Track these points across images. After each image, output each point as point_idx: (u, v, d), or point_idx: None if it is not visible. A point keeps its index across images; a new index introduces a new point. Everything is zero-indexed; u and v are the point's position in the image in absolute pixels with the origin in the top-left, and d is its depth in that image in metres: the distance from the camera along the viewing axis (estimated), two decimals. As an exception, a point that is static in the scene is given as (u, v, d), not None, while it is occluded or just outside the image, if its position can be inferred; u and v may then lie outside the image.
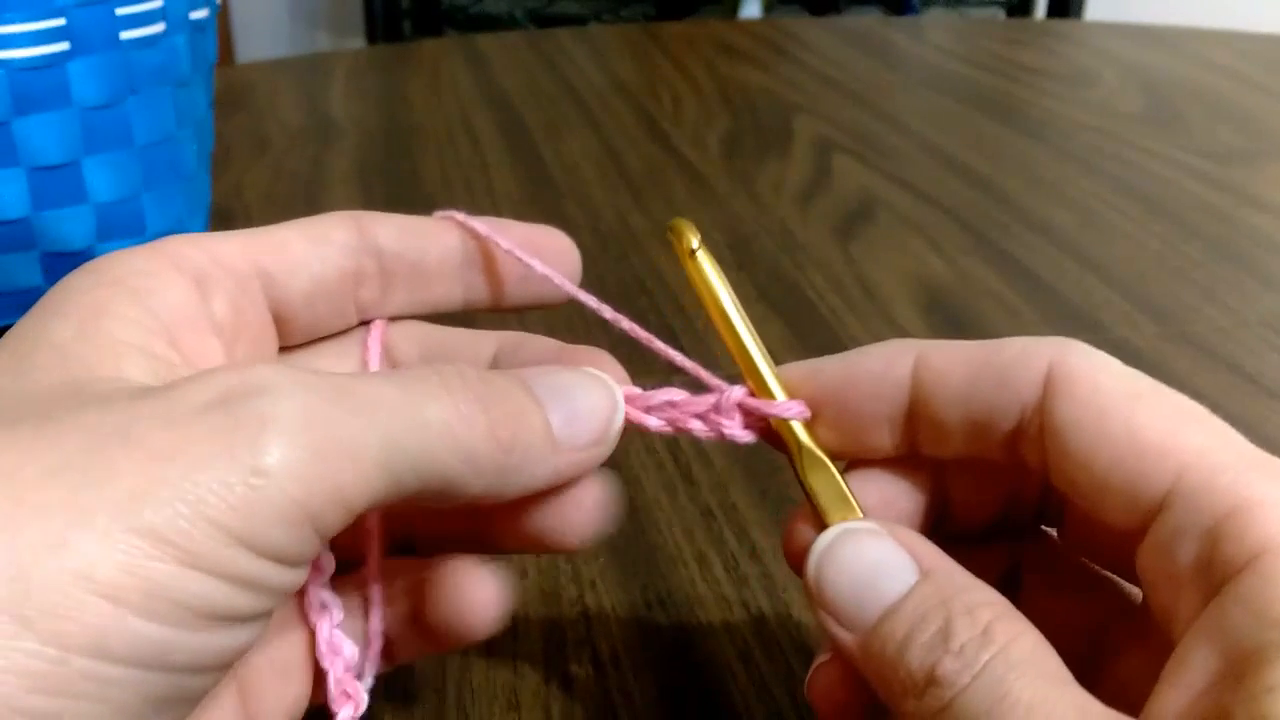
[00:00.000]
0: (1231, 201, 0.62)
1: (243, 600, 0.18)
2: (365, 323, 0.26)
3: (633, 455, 0.39)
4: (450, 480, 0.20)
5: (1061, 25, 1.55)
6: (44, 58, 0.41)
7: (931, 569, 0.21)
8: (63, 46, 0.42)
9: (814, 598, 0.22)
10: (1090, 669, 0.20)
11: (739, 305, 0.25)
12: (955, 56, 0.96)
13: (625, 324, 0.26)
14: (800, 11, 2.27)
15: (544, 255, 0.26)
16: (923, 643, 0.20)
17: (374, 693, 0.29)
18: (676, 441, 0.39)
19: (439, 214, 0.27)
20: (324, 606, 0.24)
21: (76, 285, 0.21)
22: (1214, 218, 0.60)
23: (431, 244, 0.26)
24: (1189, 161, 0.68)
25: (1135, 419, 0.21)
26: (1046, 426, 0.21)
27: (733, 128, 0.75)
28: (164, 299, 0.21)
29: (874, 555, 0.22)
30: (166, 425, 0.17)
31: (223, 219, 0.57)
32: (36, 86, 0.41)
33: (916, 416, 0.23)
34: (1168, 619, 0.20)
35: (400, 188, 0.64)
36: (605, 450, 0.23)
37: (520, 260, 0.26)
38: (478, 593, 0.24)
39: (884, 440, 0.24)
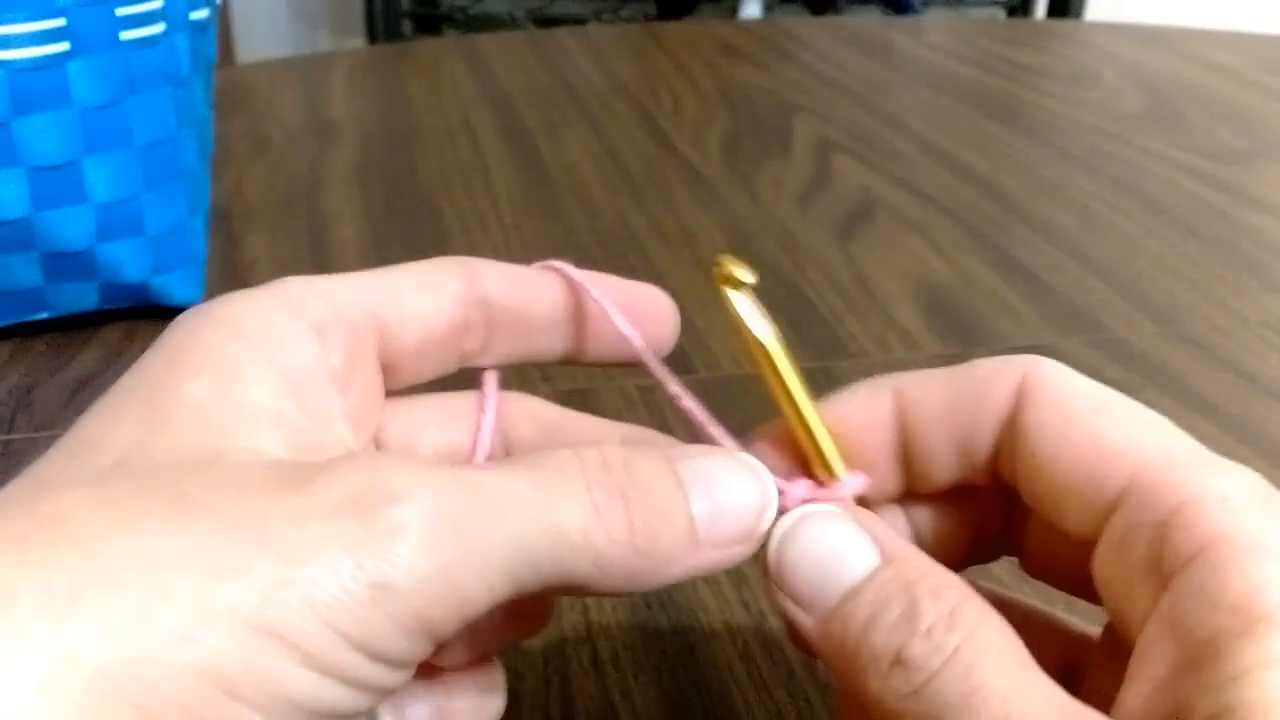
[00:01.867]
0: (1231, 201, 0.62)
1: (353, 700, 0.18)
2: (472, 370, 0.26)
3: (633, 455, 0.38)
4: (576, 582, 0.20)
5: (1061, 25, 1.55)
6: (44, 58, 0.41)
7: (894, 553, 0.21)
8: (63, 46, 0.42)
9: (773, 577, 0.22)
10: (1070, 688, 0.20)
11: (789, 357, 0.23)
12: (955, 56, 0.96)
13: (686, 401, 0.24)
14: (800, 11, 2.27)
15: (641, 314, 0.25)
16: (889, 623, 0.20)
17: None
18: (676, 441, 0.39)
19: (542, 264, 0.26)
20: None
21: (203, 336, 0.21)
22: (1214, 218, 0.60)
23: (536, 295, 0.25)
24: (1189, 161, 0.68)
25: (1098, 423, 0.21)
26: (1016, 435, 0.22)
27: (733, 128, 0.75)
28: (292, 356, 0.21)
29: (835, 538, 0.22)
30: (298, 524, 0.18)
31: (223, 219, 0.57)
32: (36, 86, 0.41)
33: (906, 449, 0.24)
34: (1125, 621, 0.20)
35: (400, 188, 0.64)
36: (749, 549, 0.22)
37: (614, 318, 0.25)
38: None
39: (884, 480, 0.24)
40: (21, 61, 0.41)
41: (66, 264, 0.44)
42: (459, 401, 0.26)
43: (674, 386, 0.24)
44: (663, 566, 0.20)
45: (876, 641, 0.20)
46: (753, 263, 0.23)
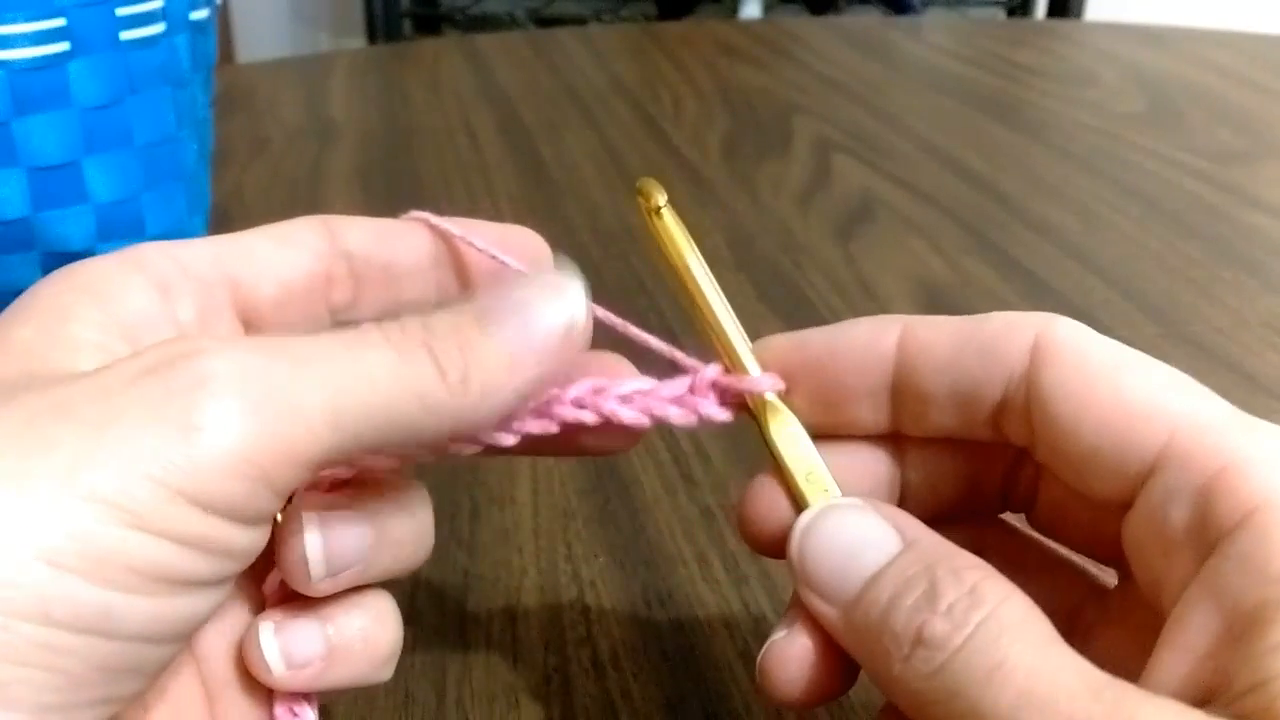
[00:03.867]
0: (1231, 201, 0.62)
1: (195, 562, 0.18)
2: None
3: (633, 455, 0.39)
4: (409, 427, 0.20)
5: (1061, 25, 1.55)
6: (44, 58, 0.41)
7: (915, 538, 0.21)
8: (63, 46, 0.42)
9: (797, 573, 0.22)
10: (1067, 631, 0.20)
11: (709, 272, 0.24)
12: (955, 56, 0.96)
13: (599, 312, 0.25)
14: (800, 11, 2.27)
15: (511, 252, 0.26)
16: (908, 605, 0.20)
17: (374, 692, 0.29)
18: (676, 441, 0.39)
19: (408, 215, 0.27)
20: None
21: (43, 290, 0.22)
22: (1214, 218, 0.60)
23: (401, 246, 0.26)
24: (1189, 161, 0.68)
25: (1123, 383, 0.21)
26: (1033, 394, 0.21)
27: (733, 128, 0.75)
28: (126, 303, 0.22)
29: (857, 528, 0.22)
30: (103, 396, 0.17)
31: (223, 219, 0.57)
32: (36, 86, 0.41)
33: (901, 391, 0.23)
34: (1157, 588, 0.20)
35: (400, 188, 0.64)
36: (573, 353, 0.22)
37: (492, 259, 0.25)
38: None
39: (865, 416, 0.24)
40: (21, 61, 0.41)
41: (66, 264, 0.44)
42: None
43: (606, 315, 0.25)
44: (489, 397, 0.20)
45: (897, 623, 0.20)
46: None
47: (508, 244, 0.26)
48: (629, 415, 0.24)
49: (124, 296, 0.22)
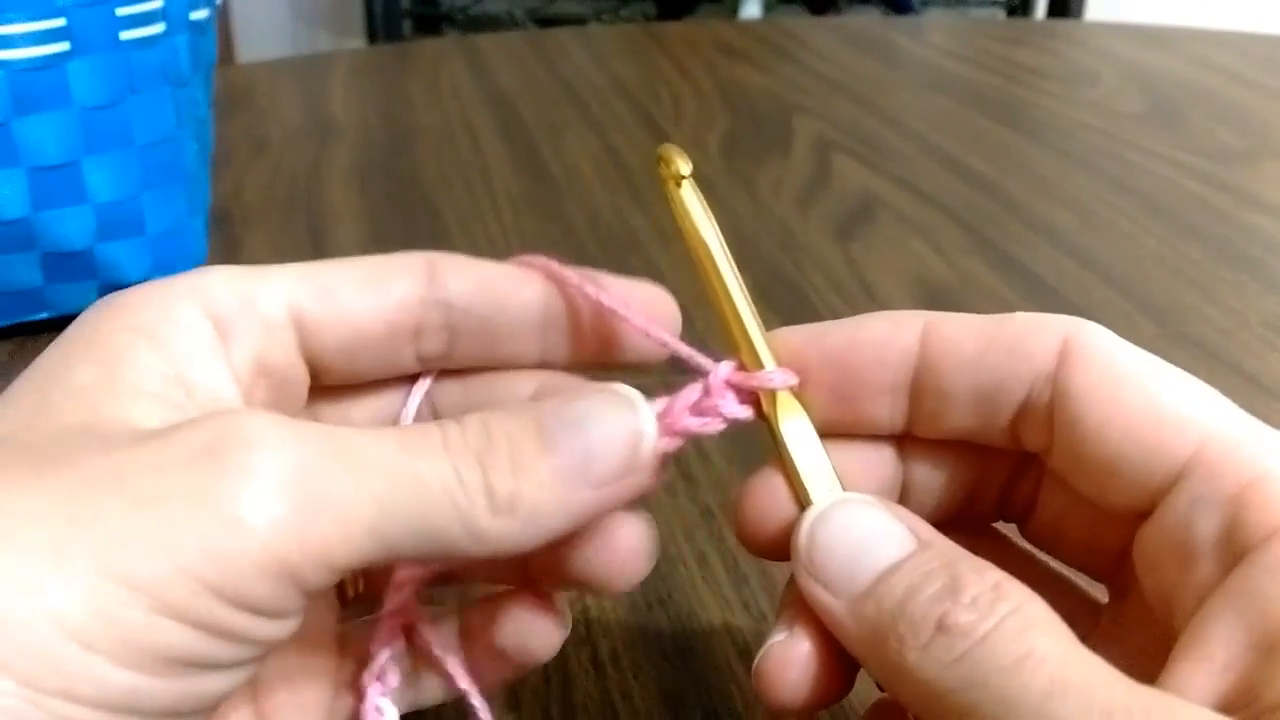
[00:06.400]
0: (1231, 201, 0.62)
1: (220, 650, 0.18)
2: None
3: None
4: (449, 545, 0.19)
5: (1061, 25, 1.55)
6: (44, 58, 0.41)
7: (931, 539, 0.21)
8: (63, 46, 0.42)
9: (803, 564, 0.22)
10: None
11: (728, 252, 0.23)
12: (955, 56, 0.96)
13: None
14: (800, 11, 2.27)
15: (639, 311, 0.24)
16: (928, 596, 0.19)
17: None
18: (676, 441, 0.39)
19: (522, 259, 0.24)
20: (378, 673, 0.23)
21: (101, 327, 0.21)
22: (1214, 218, 0.60)
23: (509, 300, 0.24)
24: (1189, 161, 0.68)
25: (1153, 390, 0.20)
26: (1059, 397, 0.21)
27: (733, 128, 0.75)
28: (182, 345, 0.21)
29: (871, 524, 0.21)
30: (154, 471, 0.17)
31: (223, 219, 0.57)
32: (36, 86, 0.41)
33: (921, 386, 0.23)
34: (1168, 600, 0.20)
35: (400, 188, 0.64)
36: (638, 480, 0.21)
37: (613, 319, 0.23)
38: (541, 622, 0.24)
39: (881, 413, 0.23)
40: (21, 61, 0.41)
41: (66, 264, 0.44)
42: (397, 395, 0.25)
43: (700, 359, 0.23)
44: (535, 521, 0.20)
45: (915, 612, 0.19)
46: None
47: (632, 299, 0.24)
48: (662, 444, 0.22)
49: (180, 339, 0.21)
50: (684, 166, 0.23)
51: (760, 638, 0.31)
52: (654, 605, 0.32)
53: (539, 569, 0.23)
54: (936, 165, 0.68)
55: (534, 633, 0.24)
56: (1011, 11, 2.33)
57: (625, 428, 0.20)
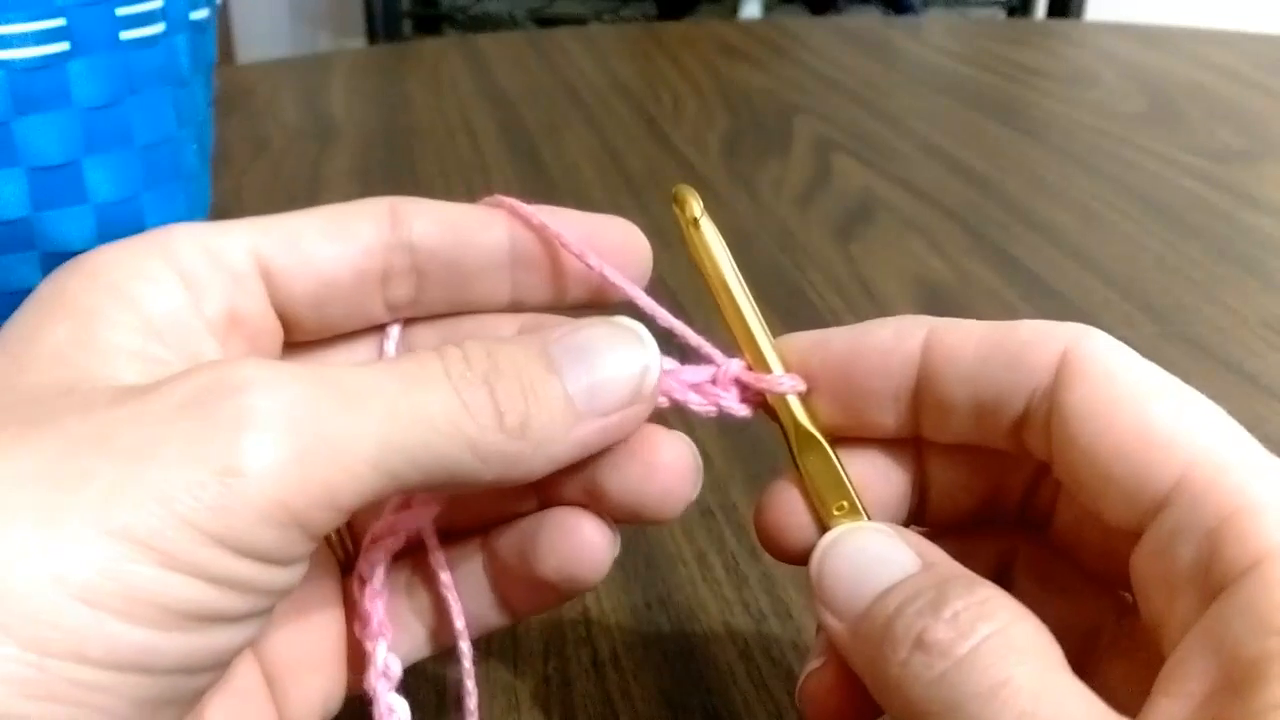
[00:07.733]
0: (1231, 201, 0.62)
1: (229, 601, 0.17)
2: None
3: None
4: (457, 472, 0.19)
5: (1061, 25, 1.55)
6: (44, 58, 0.41)
7: (934, 560, 0.21)
8: (63, 46, 0.42)
9: (815, 591, 0.22)
10: (1080, 673, 0.19)
11: (741, 277, 0.24)
12: (955, 56, 0.96)
13: (678, 327, 0.24)
14: (800, 11, 2.27)
15: (608, 249, 0.24)
16: (912, 611, 0.19)
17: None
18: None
19: (489, 199, 0.24)
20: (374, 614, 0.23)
21: (69, 285, 0.21)
22: (1214, 218, 0.60)
23: (475, 240, 0.23)
24: (1189, 161, 0.68)
25: (1147, 410, 0.20)
26: (1055, 411, 0.21)
27: (733, 128, 0.75)
28: (153, 302, 0.21)
29: (877, 548, 0.22)
30: (142, 425, 0.17)
31: (223, 219, 0.57)
32: (36, 86, 0.41)
33: (923, 395, 0.23)
34: (1159, 625, 0.20)
35: (400, 188, 0.64)
36: (642, 409, 0.21)
37: (581, 257, 0.24)
38: (588, 538, 0.23)
39: (886, 418, 0.23)
40: (21, 61, 0.41)
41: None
42: (370, 344, 0.24)
43: (663, 315, 0.24)
44: (544, 446, 0.20)
45: (899, 626, 0.19)
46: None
47: (599, 236, 0.24)
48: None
49: (150, 295, 0.21)
50: (697, 207, 0.24)
51: (760, 638, 0.31)
52: (654, 605, 0.32)
53: (575, 499, 0.23)
54: (936, 165, 0.68)
55: (581, 551, 0.23)
56: (1011, 11, 2.33)
57: (633, 356, 0.21)
